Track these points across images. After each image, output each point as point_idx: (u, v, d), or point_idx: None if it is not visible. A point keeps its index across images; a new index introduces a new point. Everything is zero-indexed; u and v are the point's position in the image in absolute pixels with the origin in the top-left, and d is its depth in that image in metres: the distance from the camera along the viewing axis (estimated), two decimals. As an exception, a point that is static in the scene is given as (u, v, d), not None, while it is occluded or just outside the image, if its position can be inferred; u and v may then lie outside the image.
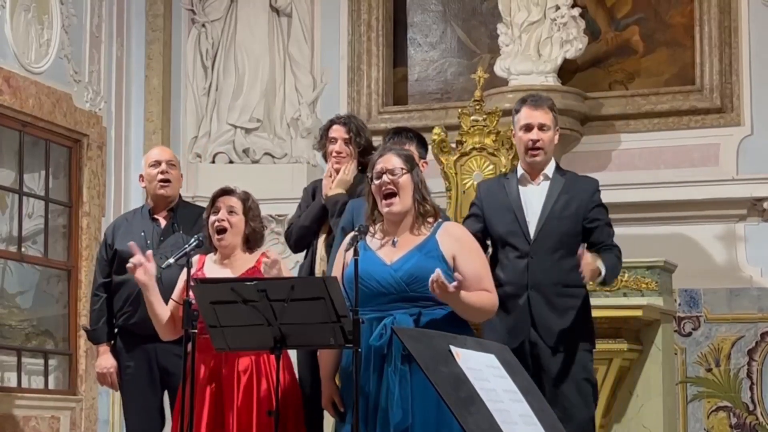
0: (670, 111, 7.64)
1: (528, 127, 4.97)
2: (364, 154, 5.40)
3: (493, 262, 4.95)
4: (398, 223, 4.40)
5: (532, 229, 4.91)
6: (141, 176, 5.64)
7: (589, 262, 4.69)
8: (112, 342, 5.59)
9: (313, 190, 5.55)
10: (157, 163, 5.55)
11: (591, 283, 4.84)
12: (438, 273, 4.11)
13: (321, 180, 5.63)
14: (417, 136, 5.42)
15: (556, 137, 5.05)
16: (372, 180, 4.42)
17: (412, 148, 5.25)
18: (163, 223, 5.55)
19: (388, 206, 4.37)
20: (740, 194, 7.34)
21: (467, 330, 4.32)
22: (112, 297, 5.54)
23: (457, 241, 4.37)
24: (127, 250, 5.27)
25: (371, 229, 4.43)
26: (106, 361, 5.55)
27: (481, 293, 4.32)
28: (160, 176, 5.51)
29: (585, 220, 4.94)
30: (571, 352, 4.87)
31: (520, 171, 5.05)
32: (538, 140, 4.94)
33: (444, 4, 8.34)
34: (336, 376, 4.51)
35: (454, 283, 4.13)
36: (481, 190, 5.17)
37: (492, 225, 4.96)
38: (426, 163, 5.40)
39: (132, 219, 5.69)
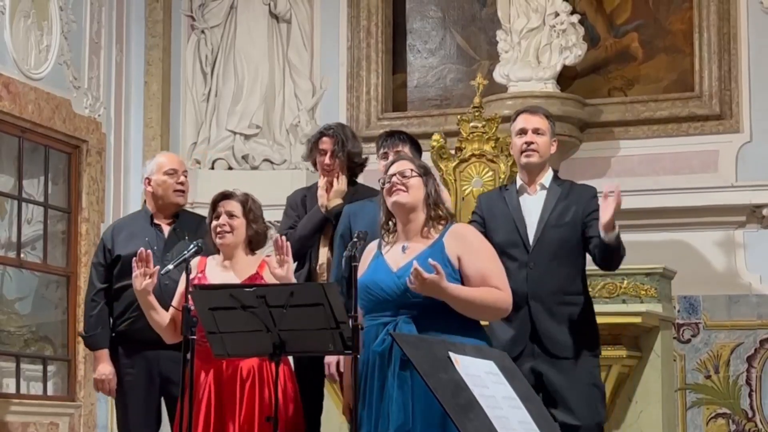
0: (669, 118, 7.64)
1: (522, 131, 5.03)
2: (352, 164, 5.44)
3: None
4: (407, 224, 4.36)
5: (530, 239, 4.93)
6: (148, 180, 5.56)
7: (611, 213, 4.69)
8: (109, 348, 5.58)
9: (302, 199, 5.54)
10: (174, 171, 5.53)
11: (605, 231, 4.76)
12: (415, 264, 4.07)
13: (306, 189, 5.65)
14: (410, 139, 5.45)
15: (554, 147, 5.09)
16: (383, 184, 4.41)
17: (406, 150, 5.29)
18: (166, 229, 5.53)
19: (396, 195, 4.33)
20: (739, 201, 7.34)
21: (472, 338, 4.22)
22: (110, 303, 5.52)
23: (462, 241, 4.31)
24: (132, 255, 5.27)
25: (386, 236, 4.41)
26: (105, 368, 5.52)
27: (485, 288, 4.23)
28: (178, 186, 5.51)
29: (583, 225, 4.95)
30: (575, 360, 4.87)
31: (518, 182, 5.08)
32: (532, 143, 4.99)
33: (443, 11, 8.35)
34: None
35: (433, 274, 4.06)
36: (481, 201, 5.19)
37: (492, 235, 4.95)
38: None
39: (132, 224, 5.65)
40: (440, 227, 4.37)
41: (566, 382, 4.84)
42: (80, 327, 7.55)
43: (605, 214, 4.72)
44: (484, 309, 4.26)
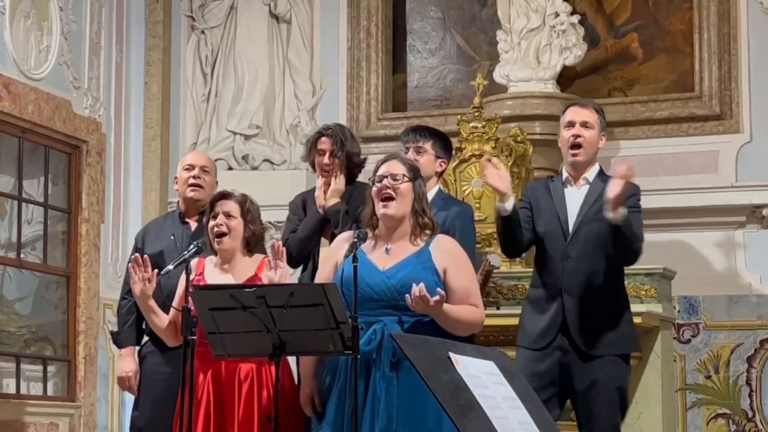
0: (669, 118, 7.63)
1: (570, 124, 5.00)
2: (351, 164, 5.43)
3: (535, 262, 5.02)
4: (393, 229, 4.40)
5: (569, 231, 4.93)
6: (175, 178, 5.69)
7: (618, 190, 4.65)
8: (138, 347, 5.58)
9: (303, 202, 5.55)
10: (191, 167, 5.60)
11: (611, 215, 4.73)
12: (421, 287, 4.14)
13: (307, 192, 5.65)
14: (434, 134, 5.41)
15: (602, 142, 5.08)
16: (373, 183, 4.43)
17: (428, 146, 5.27)
18: (193, 226, 5.57)
19: (384, 208, 4.37)
20: (739, 201, 7.33)
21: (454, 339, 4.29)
22: None
23: (448, 255, 4.38)
24: (156, 254, 5.27)
25: (369, 233, 4.44)
26: (127, 365, 5.54)
27: (467, 307, 4.34)
28: (191, 180, 5.56)
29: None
30: (602, 358, 4.85)
31: (564, 174, 5.08)
32: (579, 136, 4.96)
33: (443, 11, 8.34)
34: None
35: (436, 297, 4.15)
36: (527, 191, 5.20)
37: (536, 225, 5.00)
38: (445, 162, 5.41)
39: (162, 224, 5.73)
40: (427, 233, 4.40)
41: (589, 381, 4.84)
42: (80, 327, 7.59)
43: (611, 190, 4.68)
44: (465, 326, 4.36)
